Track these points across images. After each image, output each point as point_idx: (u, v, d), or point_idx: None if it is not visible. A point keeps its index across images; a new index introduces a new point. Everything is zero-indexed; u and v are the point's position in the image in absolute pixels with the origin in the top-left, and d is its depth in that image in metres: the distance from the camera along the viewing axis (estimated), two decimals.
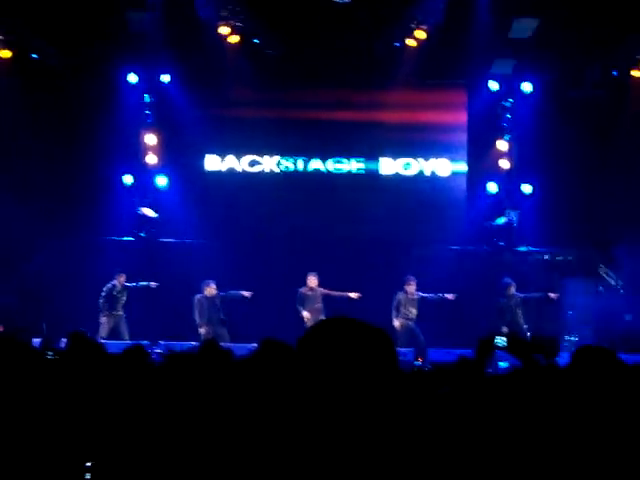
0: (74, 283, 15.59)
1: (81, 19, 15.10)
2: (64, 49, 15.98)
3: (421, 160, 17.11)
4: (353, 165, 17.17)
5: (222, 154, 17.15)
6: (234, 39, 15.99)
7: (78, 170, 16.12)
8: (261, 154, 17.14)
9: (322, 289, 15.11)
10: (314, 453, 1.81)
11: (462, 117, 17.09)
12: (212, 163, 17.17)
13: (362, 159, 17.15)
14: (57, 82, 16.27)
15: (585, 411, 2.90)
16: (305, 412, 1.83)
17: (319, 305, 15.01)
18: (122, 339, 14.73)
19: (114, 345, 12.59)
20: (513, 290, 15.12)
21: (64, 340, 9.13)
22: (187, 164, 17.14)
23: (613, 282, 15.72)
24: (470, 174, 17.06)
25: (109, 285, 15.21)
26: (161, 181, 17.00)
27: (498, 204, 16.93)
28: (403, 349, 14.15)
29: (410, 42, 16.04)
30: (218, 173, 17.15)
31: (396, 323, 15.01)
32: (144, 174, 16.95)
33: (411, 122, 16.98)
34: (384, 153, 17.12)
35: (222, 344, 12.94)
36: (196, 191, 17.00)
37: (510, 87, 16.59)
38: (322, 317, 14.84)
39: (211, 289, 15.18)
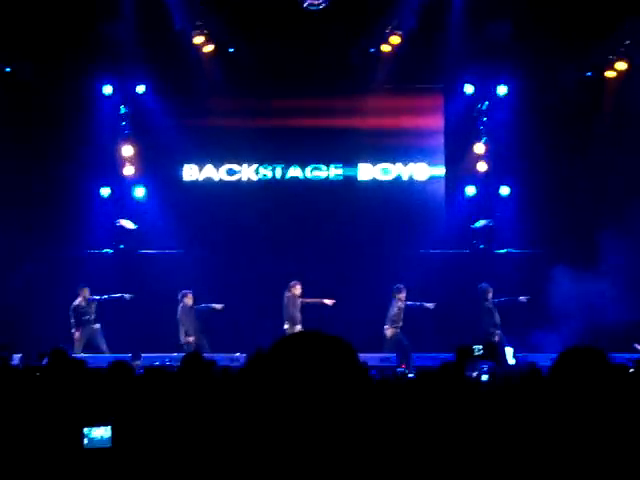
0: (54, 297, 15.46)
1: (55, 31, 15.03)
2: (38, 62, 15.88)
3: (399, 165, 17.14)
4: (332, 172, 17.18)
5: (200, 164, 17.11)
6: (209, 48, 15.98)
7: (55, 183, 16.03)
8: (239, 163, 17.12)
9: (300, 298, 15.14)
10: (283, 466, 1.82)
11: (439, 121, 17.14)
12: (190, 173, 17.12)
13: (340, 165, 17.16)
14: (32, 95, 16.16)
15: (569, 417, 2.88)
16: (271, 425, 1.85)
17: (299, 315, 15.02)
18: (100, 352, 14.66)
19: (94, 359, 12.56)
20: (491, 295, 15.26)
21: (44, 356, 9.07)
22: (165, 174, 17.09)
23: None
24: (448, 178, 17.11)
25: (75, 303, 15.10)
26: (139, 192, 16.92)
27: (477, 207, 16.98)
28: (386, 354, 14.20)
29: (385, 48, 16.08)
30: (196, 183, 17.10)
31: (388, 332, 15.04)
32: (122, 186, 16.87)
33: (388, 127, 17.01)
34: (362, 159, 17.13)
35: (205, 354, 12.91)
36: (174, 201, 16.94)
37: (485, 90, 16.65)
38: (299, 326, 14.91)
39: (189, 299, 15.20)
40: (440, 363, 6.90)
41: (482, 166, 16.81)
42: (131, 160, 16.79)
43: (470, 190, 16.94)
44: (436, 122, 17.16)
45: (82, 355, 13.89)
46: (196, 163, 17.10)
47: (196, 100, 16.86)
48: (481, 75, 16.51)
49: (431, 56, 15.88)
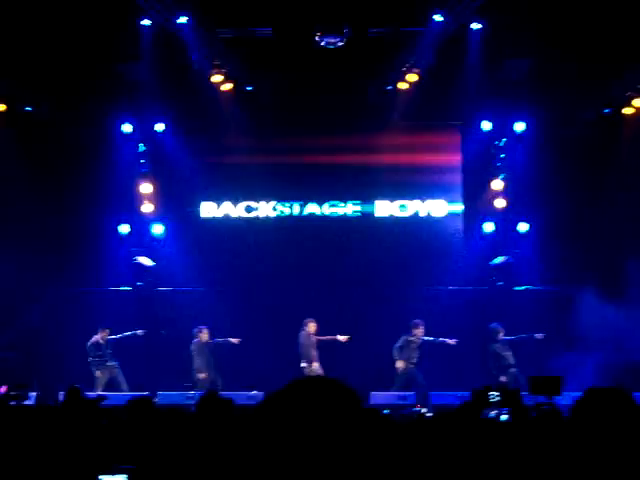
0: (71, 334, 15.48)
1: (75, 70, 15.21)
2: (58, 101, 16.06)
3: (417, 201, 17.13)
4: (349, 208, 17.18)
5: (218, 201, 17.16)
6: (227, 87, 16.09)
7: (74, 221, 16.10)
8: (257, 199, 17.15)
9: (314, 336, 15.10)
10: None
11: (456, 158, 17.14)
12: (208, 210, 17.17)
13: (358, 202, 17.17)
14: (51, 134, 16.33)
15: (591, 461, 2.80)
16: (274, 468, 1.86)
17: (315, 352, 14.98)
18: (120, 390, 14.62)
19: (115, 397, 12.52)
20: (502, 335, 15.16)
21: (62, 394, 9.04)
22: (183, 212, 17.16)
23: None
24: (466, 214, 17.07)
25: (92, 340, 15.10)
26: (157, 229, 16.98)
27: (495, 243, 16.90)
28: (404, 393, 14.07)
29: (402, 85, 16.13)
30: (214, 220, 17.15)
31: (399, 364, 14.97)
32: (140, 223, 16.93)
33: (406, 164, 17.02)
34: (380, 195, 17.13)
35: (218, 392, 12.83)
36: (192, 239, 16.98)
37: (503, 127, 16.65)
38: (317, 363, 14.86)
39: (204, 334, 15.21)
40: (460, 403, 6.84)
41: (500, 202, 16.75)
42: (150, 197, 16.86)
43: (488, 227, 16.88)
44: (454, 159, 17.16)
45: (101, 393, 13.87)
46: (214, 200, 17.15)
47: (214, 138, 16.97)
48: (498, 112, 16.51)
49: (448, 93, 15.91)
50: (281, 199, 17.16)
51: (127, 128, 16.68)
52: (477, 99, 16.10)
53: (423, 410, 12.81)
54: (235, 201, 17.14)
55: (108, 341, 15.19)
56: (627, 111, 16.10)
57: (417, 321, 15.14)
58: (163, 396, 13.65)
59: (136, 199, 16.83)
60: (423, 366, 15.01)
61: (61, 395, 11.00)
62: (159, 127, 16.80)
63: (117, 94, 15.98)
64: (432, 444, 4.84)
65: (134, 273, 16.70)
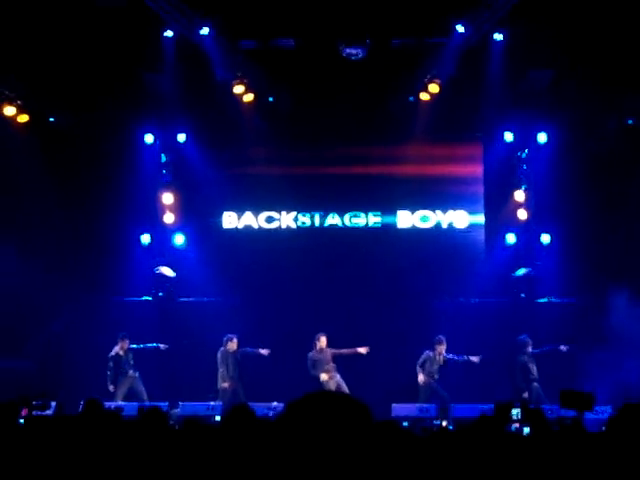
0: (92, 344, 15.52)
1: (98, 81, 15.30)
2: (81, 112, 16.17)
3: (438, 212, 17.07)
4: (370, 219, 17.14)
5: (239, 211, 17.18)
6: (248, 98, 16.12)
7: (96, 230, 16.18)
8: (278, 210, 17.16)
9: (331, 349, 15.00)
10: None
11: (478, 169, 17.08)
12: (229, 220, 17.19)
13: (379, 213, 17.13)
14: (74, 144, 16.44)
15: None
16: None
17: (331, 365, 14.90)
18: (141, 400, 14.62)
19: (129, 406, 12.53)
20: (530, 347, 15.07)
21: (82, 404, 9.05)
22: (204, 222, 17.19)
23: None
24: (488, 225, 16.99)
25: (112, 352, 15.12)
26: (179, 240, 17.02)
27: (517, 255, 16.81)
28: (426, 405, 14.00)
29: (424, 96, 16.10)
30: (235, 230, 17.16)
31: (421, 378, 14.91)
32: (162, 233, 16.98)
33: (427, 175, 16.99)
34: (401, 206, 17.08)
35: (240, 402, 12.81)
36: (214, 249, 17.01)
37: (525, 138, 16.58)
38: (336, 375, 14.77)
39: (233, 344, 15.17)
40: (478, 414, 6.77)
41: (522, 214, 16.66)
42: (171, 208, 16.92)
43: (510, 238, 16.80)
44: (475, 170, 17.10)
45: (120, 403, 13.89)
46: (235, 211, 17.18)
47: (235, 148, 17.01)
48: (521, 123, 16.45)
49: (470, 104, 15.87)
50: (302, 210, 17.15)
51: (149, 139, 16.76)
52: (499, 110, 16.05)
53: (444, 423, 12.75)
54: (256, 212, 17.16)
55: (129, 350, 15.19)
56: None
57: (440, 337, 15.04)
58: (184, 406, 13.66)
59: (158, 209, 16.89)
60: (444, 379, 14.93)
61: (81, 405, 11.02)
62: (181, 137, 16.86)
63: (140, 105, 16.09)
64: (451, 457, 4.79)
65: (155, 283, 16.73)
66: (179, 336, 15.74)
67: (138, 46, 15.13)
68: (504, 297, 16.52)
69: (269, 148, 16.64)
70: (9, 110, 15.44)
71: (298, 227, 17.17)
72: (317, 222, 17.16)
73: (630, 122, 16.28)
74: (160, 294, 16.70)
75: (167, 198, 16.88)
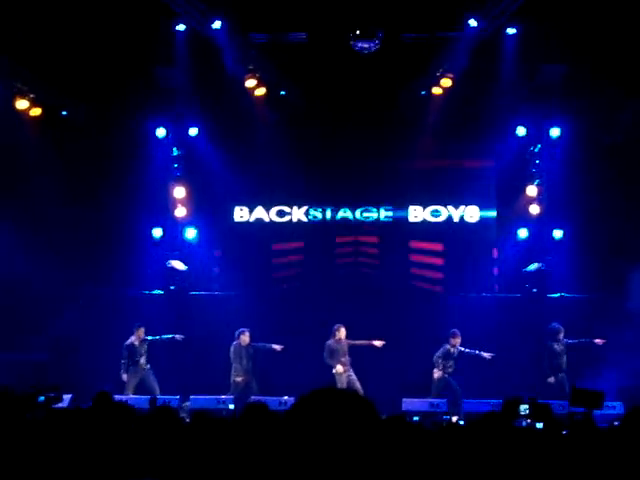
0: (104, 337, 15.58)
1: (110, 75, 15.34)
2: (93, 105, 16.21)
3: (450, 207, 17.03)
4: (382, 214, 17.13)
5: (251, 205, 17.19)
6: (260, 91, 16.11)
7: (108, 224, 16.23)
8: (289, 204, 17.16)
9: (347, 340, 15.00)
10: None
11: (490, 163, 17.03)
12: (241, 214, 17.21)
13: (390, 207, 17.11)
14: (87, 137, 16.47)
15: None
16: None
17: (347, 358, 14.90)
18: (152, 394, 14.65)
19: (139, 400, 12.54)
20: (562, 335, 14.98)
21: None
22: (216, 216, 17.21)
23: None
24: (500, 220, 16.94)
25: (128, 341, 15.17)
26: (190, 233, 17.04)
27: (529, 250, 16.75)
28: (436, 400, 14.00)
29: (436, 90, 16.06)
30: (247, 224, 17.18)
31: (437, 374, 14.85)
32: (173, 227, 17.01)
33: (439, 169, 16.96)
34: (413, 201, 17.05)
35: (252, 396, 12.83)
36: (225, 243, 17.03)
37: (538, 132, 16.52)
38: (351, 371, 14.78)
39: (246, 337, 15.17)
40: (487, 411, 6.76)
41: (535, 209, 16.60)
42: (183, 201, 16.93)
43: (522, 233, 16.74)
44: (488, 164, 17.05)
45: (130, 396, 13.91)
46: (247, 205, 17.19)
47: (247, 142, 16.99)
48: (533, 117, 16.38)
49: (483, 98, 15.83)
50: (313, 204, 17.15)
51: (161, 132, 16.77)
52: (512, 104, 16.00)
53: (454, 418, 12.74)
54: (268, 205, 17.16)
55: (143, 340, 15.24)
56: None
57: (455, 330, 15.01)
58: (195, 400, 13.70)
59: (169, 203, 16.91)
60: (457, 373, 14.91)
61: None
62: (193, 131, 16.87)
63: (152, 98, 16.10)
64: (458, 451, 4.79)
65: (167, 277, 16.76)
66: (190, 329, 15.76)
67: (150, 40, 15.17)
68: (516, 292, 16.48)
69: (280, 142, 16.63)
70: (22, 104, 15.48)
71: (309, 221, 17.18)
72: (328, 216, 17.16)
73: None
74: (171, 288, 16.71)
75: (179, 192, 16.90)
